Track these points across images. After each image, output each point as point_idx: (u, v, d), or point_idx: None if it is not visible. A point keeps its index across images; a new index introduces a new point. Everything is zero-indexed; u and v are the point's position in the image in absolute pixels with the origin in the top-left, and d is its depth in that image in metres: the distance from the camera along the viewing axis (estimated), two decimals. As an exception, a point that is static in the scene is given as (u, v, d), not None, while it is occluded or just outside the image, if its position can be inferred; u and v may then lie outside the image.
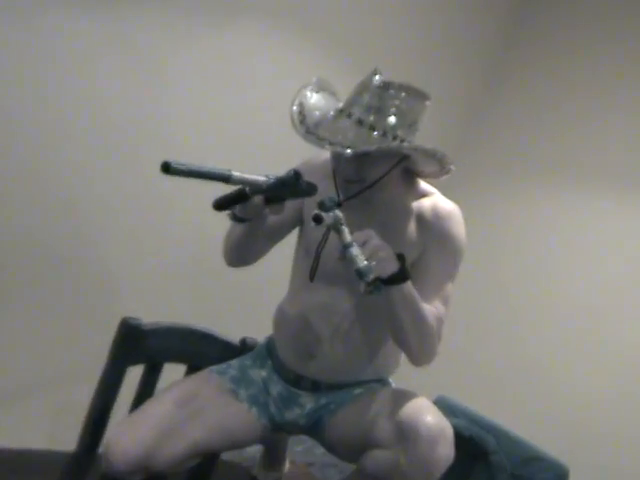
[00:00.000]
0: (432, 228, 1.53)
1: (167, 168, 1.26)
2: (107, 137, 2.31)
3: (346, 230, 1.35)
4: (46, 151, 2.20)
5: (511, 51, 3.29)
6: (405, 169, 1.53)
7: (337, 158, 1.47)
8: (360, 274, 1.31)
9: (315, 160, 1.62)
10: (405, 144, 1.41)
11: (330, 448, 1.63)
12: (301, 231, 1.66)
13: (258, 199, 1.38)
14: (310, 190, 1.41)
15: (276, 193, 1.39)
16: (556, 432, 2.49)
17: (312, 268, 1.54)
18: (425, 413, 1.39)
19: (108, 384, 1.64)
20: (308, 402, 1.62)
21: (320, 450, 1.71)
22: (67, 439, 1.65)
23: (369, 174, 1.45)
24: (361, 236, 1.35)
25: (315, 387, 1.62)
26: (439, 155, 1.41)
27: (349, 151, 1.35)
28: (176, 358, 1.74)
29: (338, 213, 1.35)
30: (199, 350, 1.76)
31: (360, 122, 1.39)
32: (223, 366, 1.65)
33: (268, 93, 2.54)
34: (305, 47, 2.65)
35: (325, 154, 1.57)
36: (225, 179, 1.33)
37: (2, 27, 2.03)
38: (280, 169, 1.40)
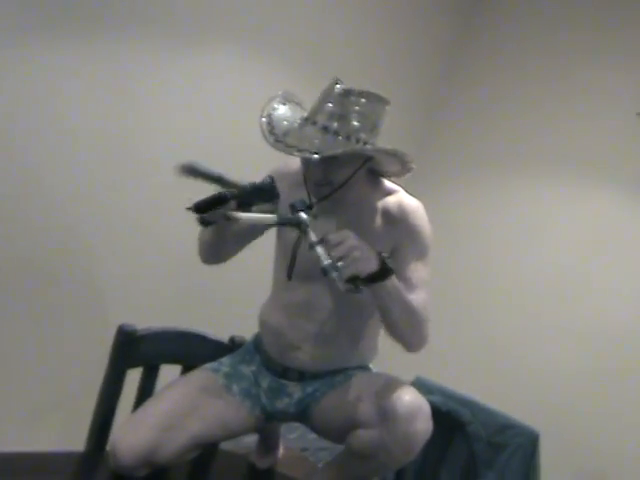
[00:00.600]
0: (400, 224, 1.59)
1: (190, 169, 1.40)
2: (95, 153, 2.40)
3: (310, 232, 1.41)
4: (39, 169, 2.28)
5: (464, 45, 3.35)
6: (370, 170, 1.61)
7: (306, 164, 1.55)
8: (324, 272, 1.38)
9: (285, 169, 1.69)
10: (368, 146, 1.49)
11: (319, 432, 1.73)
12: (278, 234, 1.73)
13: (232, 204, 1.45)
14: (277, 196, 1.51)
15: (252, 198, 1.47)
16: (526, 403, 2.60)
17: (289, 267, 1.60)
18: (402, 393, 1.48)
19: (110, 387, 1.72)
20: (295, 391, 1.70)
21: (312, 436, 1.80)
22: (75, 441, 1.72)
23: (337, 176, 1.52)
24: (336, 237, 1.41)
25: (301, 377, 1.70)
26: (400, 154, 1.49)
27: (316, 156, 1.42)
28: (171, 359, 1.82)
29: (303, 215, 1.43)
30: (192, 351, 1.83)
31: (325, 129, 1.46)
32: (215, 364, 1.72)
33: (238, 107, 2.62)
34: (271, 62, 2.73)
35: (295, 163, 1.64)
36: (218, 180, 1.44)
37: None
38: (252, 178, 1.48)
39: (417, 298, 1.54)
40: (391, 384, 1.54)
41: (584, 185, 2.90)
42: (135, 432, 1.52)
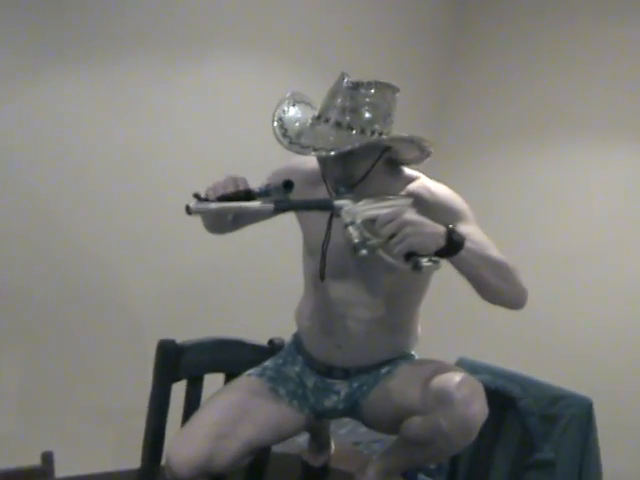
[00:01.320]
0: (433, 205, 1.54)
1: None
2: (115, 174, 2.46)
3: (344, 213, 1.41)
4: (67, 189, 2.36)
5: (472, 18, 3.30)
6: (389, 160, 1.58)
7: (323, 162, 1.54)
8: (354, 249, 1.37)
9: (301, 165, 1.68)
10: (384, 136, 1.47)
11: (370, 425, 1.72)
12: (304, 234, 1.71)
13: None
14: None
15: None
16: (575, 371, 2.57)
17: (320, 268, 1.60)
18: (454, 377, 1.47)
19: (157, 402, 1.75)
20: (342, 388, 1.69)
21: (363, 429, 1.79)
22: (130, 458, 1.76)
23: (356, 171, 1.51)
24: (387, 215, 1.37)
25: (346, 374, 1.69)
26: (417, 140, 1.48)
27: (333, 153, 1.41)
28: (213, 369, 1.84)
29: (337, 201, 1.44)
30: (233, 357, 1.86)
31: (338, 124, 1.45)
32: (259, 369, 1.73)
33: (250, 111, 2.63)
34: (276, 62, 2.73)
35: (310, 160, 1.62)
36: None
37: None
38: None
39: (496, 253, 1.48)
40: (440, 369, 1.53)
41: (608, 147, 2.83)
42: (189, 444, 1.53)
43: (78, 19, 2.30)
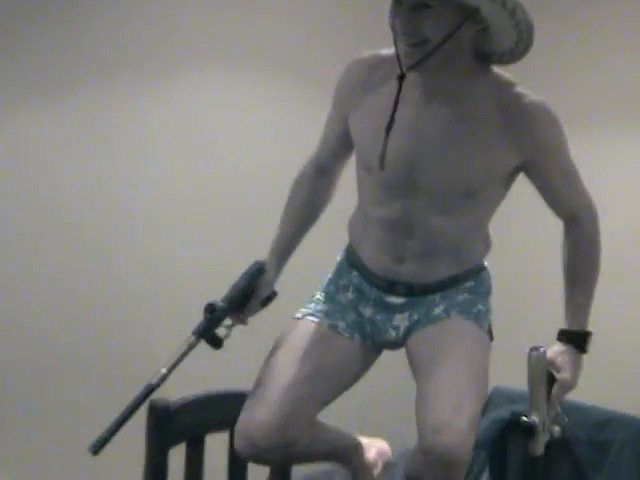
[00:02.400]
0: (534, 134, 1.39)
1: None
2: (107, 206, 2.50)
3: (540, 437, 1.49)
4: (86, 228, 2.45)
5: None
6: (476, 53, 1.38)
7: (395, 9, 1.33)
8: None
9: (376, 58, 1.48)
10: None
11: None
12: (355, 149, 1.55)
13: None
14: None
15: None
16: (622, 390, 2.40)
17: (381, 152, 1.40)
18: (442, 401, 1.33)
19: (153, 471, 1.54)
20: (402, 323, 1.53)
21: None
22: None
23: (431, 30, 1.30)
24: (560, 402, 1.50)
25: (409, 290, 1.52)
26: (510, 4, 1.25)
27: None
28: (215, 427, 1.64)
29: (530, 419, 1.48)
30: (236, 413, 1.53)
31: None
32: (313, 306, 1.56)
33: (235, 133, 2.61)
34: (262, 86, 2.67)
35: (389, 51, 1.42)
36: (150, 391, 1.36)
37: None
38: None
39: (581, 198, 1.52)
40: (452, 384, 1.37)
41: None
42: (267, 409, 1.41)
43: (51, 48, 2.34)
